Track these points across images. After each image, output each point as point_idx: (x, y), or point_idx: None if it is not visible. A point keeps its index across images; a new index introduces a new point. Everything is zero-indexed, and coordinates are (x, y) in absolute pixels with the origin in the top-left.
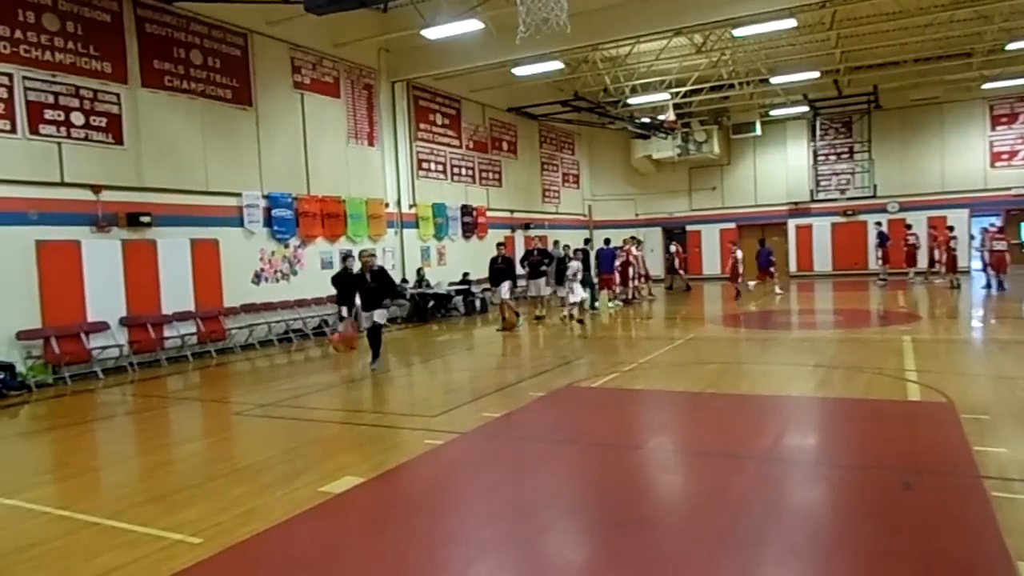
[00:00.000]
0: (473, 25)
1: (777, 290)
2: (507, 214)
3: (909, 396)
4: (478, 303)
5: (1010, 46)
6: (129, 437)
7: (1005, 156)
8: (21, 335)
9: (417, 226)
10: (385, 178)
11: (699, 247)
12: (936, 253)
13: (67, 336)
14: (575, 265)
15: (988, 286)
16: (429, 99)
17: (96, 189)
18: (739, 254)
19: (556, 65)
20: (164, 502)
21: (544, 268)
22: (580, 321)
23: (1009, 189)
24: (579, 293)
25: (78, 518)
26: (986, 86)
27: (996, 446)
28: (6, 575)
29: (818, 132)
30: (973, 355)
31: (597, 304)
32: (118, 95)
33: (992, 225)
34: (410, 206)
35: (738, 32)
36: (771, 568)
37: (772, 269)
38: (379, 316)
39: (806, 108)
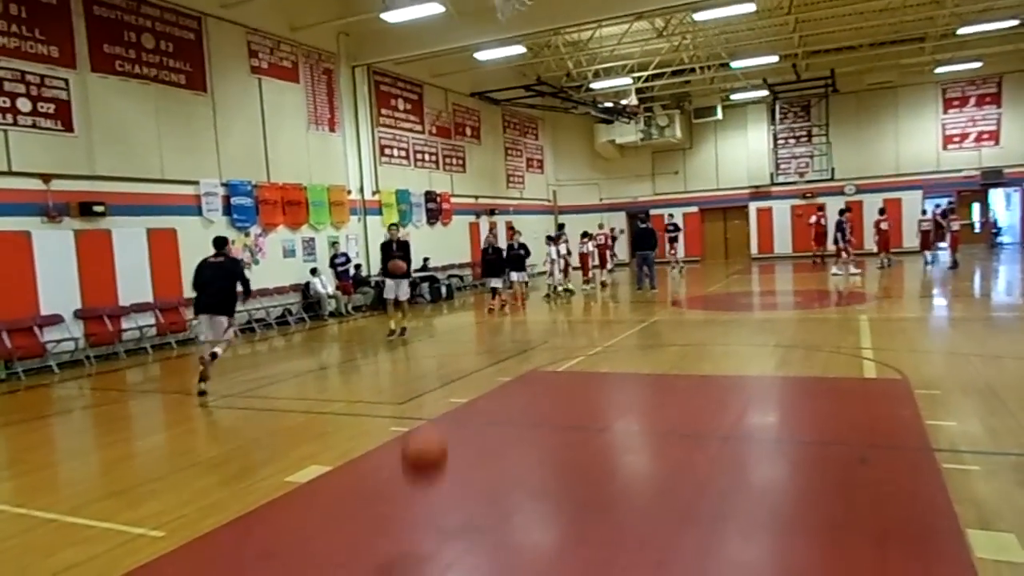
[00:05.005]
0: (433, 8)
1: (853, 269)
2: (472, 200)
3: (865, 373)
4: (443, 290)
5: (961, 31)
6: (87, 431)
7: (957, 139)
8: None
9: (381, 213)
10: (347, 164)
11: (662, 231)
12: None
13: (19, 330)
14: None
15: (930, 263)
16: (390, 84)
17: (46, 178)
18: (590, 246)
19: (518, 49)
20: (124, 496)
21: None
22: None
23: (960, 171)
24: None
25: (35, 515)
26: (939, 70)
27: (947, 420)
28: None
29: (777, 116)
30: (926, 332)
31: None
32: (66, 80)
33: (938, 207)
34: (373, 193)
35: (698, 16)
36: (733, 543)
37: (846, 243)
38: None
39: (766, 92)
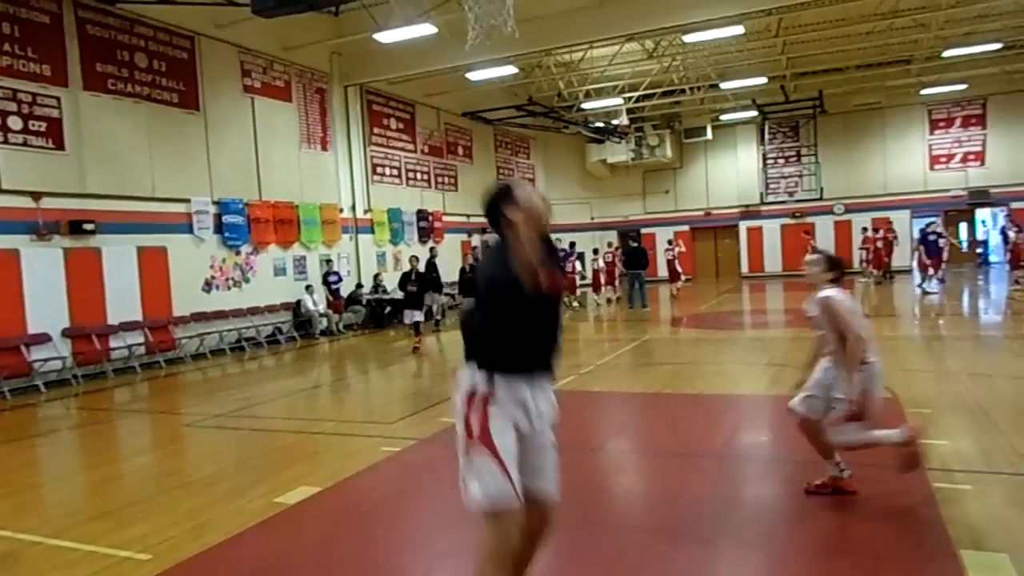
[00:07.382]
0: (426, 29)
1: (931, 286)
2: (463, 218)
3: None
4: (435, 309)
5: (946, 53)
6: (73, 452)
7: (943, 159)
8: None
9: (372, 231)
10: (339, 183)
11: (653, 249)
12: (865, 253)
13: (6, 349)
14: None
15: (920, 284)
16: (383, 103)
17: (36, 196)
18: (601, 263)
19: (510, 70)
20: (110, 518)
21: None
22: None
23: (948, 191)
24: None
25: (19, 538)
26: (924, 92)
27: (938, 439)
28: None
29: (767, 136)
30: (917, 351)
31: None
32: (58, 99)
33: (932, 223)
34: (365, 211)
35: (688, 38)
36: (727, 563)
37: (943, 256)
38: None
39: (755, 113)
